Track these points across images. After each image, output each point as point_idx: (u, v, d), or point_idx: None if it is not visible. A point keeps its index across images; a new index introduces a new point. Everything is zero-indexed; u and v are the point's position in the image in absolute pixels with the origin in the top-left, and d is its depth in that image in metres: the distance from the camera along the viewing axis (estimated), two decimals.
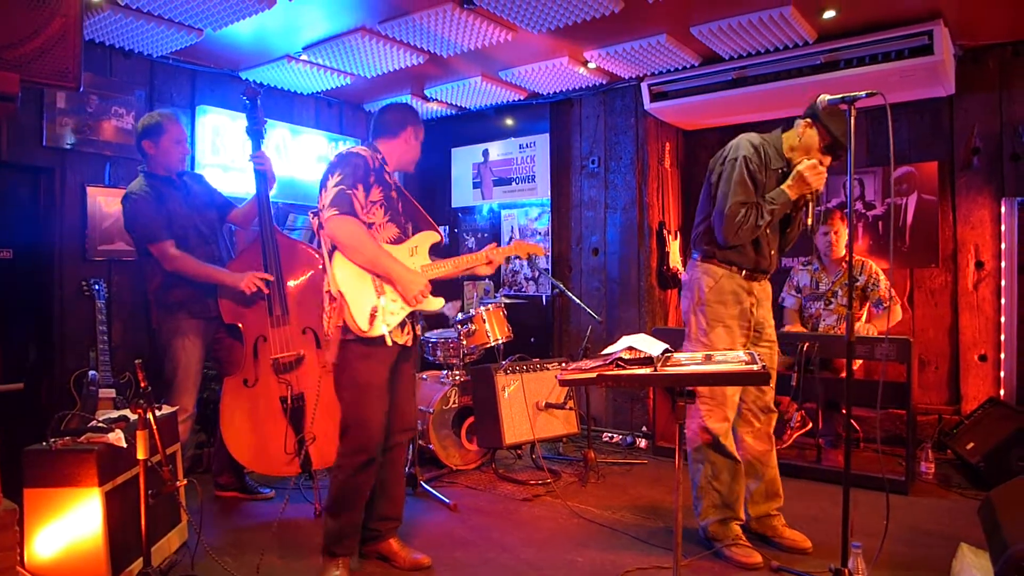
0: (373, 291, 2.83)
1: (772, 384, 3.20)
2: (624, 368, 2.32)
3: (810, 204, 3.05)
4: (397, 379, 3.02)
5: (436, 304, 3.00)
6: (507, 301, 4.82)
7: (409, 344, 2.98)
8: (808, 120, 3.03)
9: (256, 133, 3.76)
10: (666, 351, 2.39)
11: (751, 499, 3.22)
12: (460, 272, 3.14)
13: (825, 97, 2.78)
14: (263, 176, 3.74)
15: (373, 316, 2.80)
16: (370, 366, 2.83)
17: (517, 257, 3.32)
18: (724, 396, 3.09)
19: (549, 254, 5.95)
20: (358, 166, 2.81)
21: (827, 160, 3.02)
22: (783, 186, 3.01)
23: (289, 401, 3.56)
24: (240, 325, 3.65)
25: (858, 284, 4.60)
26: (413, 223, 3.08)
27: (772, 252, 3.17)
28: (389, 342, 2.81)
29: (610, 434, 5.35)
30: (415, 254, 3.01)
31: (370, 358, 2.83)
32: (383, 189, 2.91)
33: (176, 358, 3.63)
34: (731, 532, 3.08)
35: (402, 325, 2.92)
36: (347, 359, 2.85)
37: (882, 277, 4.62)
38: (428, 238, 3.07)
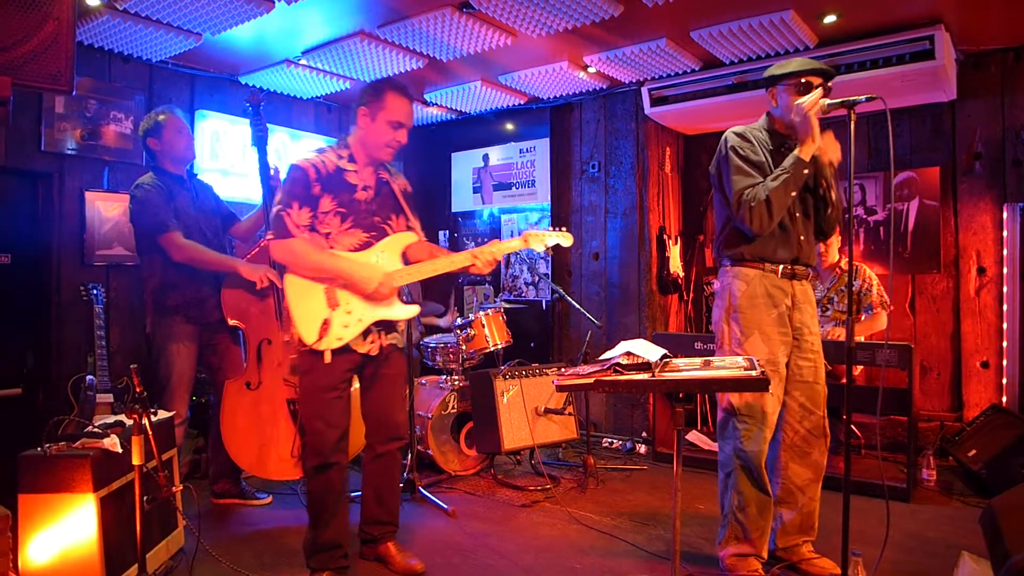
0: (324, 303, 2.78)
1: (823, 400, 2.93)
2: (622, 373, 2.30)
3: (829, 178, 2.91)
4: (374, 387, 2.97)
5: (407, 312, 2.90)
6: (507, 306, 4.81)
7: (373, 353, 2.89)
8: (770, 91, 2.93)
9: (260, 140, 3.78)
10: (664, 356, 2.38)
11: (783, 529, 2.96)
12: (439, 273, 2.92)
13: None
14: (272, 189, 3.75)
15: (324, 329, 2.75)
16: (320, 374, 2.80)
17: (529, 252, 3.22)
18: (763, 415, 2.82)
19: (549, 259, 5.94)
20: (295, 181, 2.78)
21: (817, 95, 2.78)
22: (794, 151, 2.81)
23: (297, 404, 3.54)
24: (243, 327, 3.64)
25: (853, 289, 4.57)
26: (387, 218, 2.95)
27: (802, 239, 2.92)
28: (328, 359, 2.74)
29: (610, 440, 5.33)
30: (380, 259, 2.87)
31: (319, 366, 2.80)
32: (336, 195, 2.80)
33: (171, 363, 3.61)
34: (748, 566, 2.87)
35: (365, 334, 2.85)
36: (301, 366, 2.88)
37: (875, 283, 4.60)
38: (398, 241, 2.92)
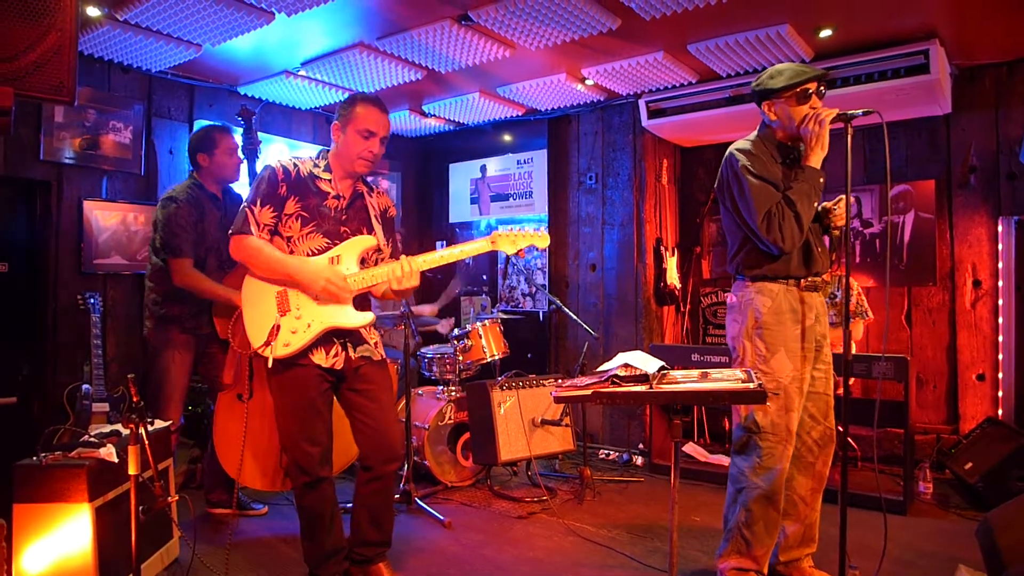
0: (275, 308, 2.73)
1: (832, 410, 2.88)
2: (619, 385, 2.30)
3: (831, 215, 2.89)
4: (357, 406, 2.86)
5: (360, 319, 2.76)
6: (504, 317, 4.82)
7: (338, 367, 2.79)
8: (766, 104, 2.80)
9: (251, 152, 3.81)
10: (662, 368, 2.38)
11: (786, 542, 2.91)
12: (380, 283, 2.74)
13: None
14: None
15: (272, 335, 2.68)
16: (292, 391, 2.76)
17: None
18: (788, 433, 2.72)
19: (546, 270, 5.95)
20: (262, 180, 2.78)
21: (816, 103, 2.74)
22: (804, 162, 2.74)
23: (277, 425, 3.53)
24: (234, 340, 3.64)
25: (837, 300, 4.58)
26: (357, 232, 2.87)
27: (819, 249, 2.84)
28: (270, 363, 2.67)
29: (606, 451, 5.32)
30: (338, 263, 2.75)
31: (291, 382, 2.76)
32: (303, 199, 2.77)
33: (165, 369, 3.62)
34: None
35: (326, 347, 2.76)
36: (271, 385, 2.83)
37: (855, 291, 4.64)
38: (355, 245, 2.79)
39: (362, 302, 2.86)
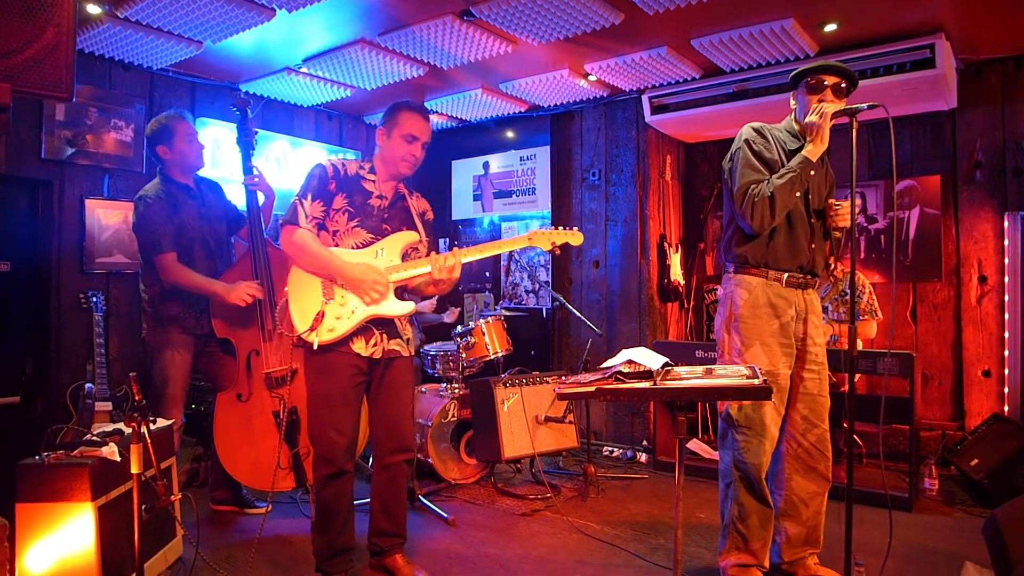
0: (320, 295, 2.82)
1: (827, 413, 2.89)
2: (623, 382, 2.29)
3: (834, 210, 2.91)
4: (380, 396, 2.97)
5: (401, 308, 2.87)
6: (507, 314, 4.80)
7: (377, 356, 2.88)
8: (792, 92, 2.90)
9: (246, 144, 3.76)
10: (666, 365, 2.36)
11: (788, 542, 2.91)
12: (420, 275, 2.88)
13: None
14: (253, 193, 3.74)
15: (317, 321, 2.77)
16: (327, 378, 2.83)
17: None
18: (763, 427, 2.79)
19: (550, 266, 5.94)
20: (312, 176, 2.90)
21: (828, 96, 2.76)
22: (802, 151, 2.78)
23: (283, 415, 3.52)
24: (233, 340, 3.62)
25: (847, 297, 4.56)
26: (398, 230, 2.99)
27: (812, 246, 2.87)
28: (315, 346, 2.75)
29: (610, 448, 5.31)
30: (380, 256, 2.89)
31: (326, 369, 2.83)
32: (350, 195, 2.90)
33: (165, 369, 3.59)
34: None
35: (366, 336, 2.85)
36: (307, 370, 2.90)
37: (867, 290, 4.62)
38: (398, 240, 2.94)
39: (402, 294, 2.97)
